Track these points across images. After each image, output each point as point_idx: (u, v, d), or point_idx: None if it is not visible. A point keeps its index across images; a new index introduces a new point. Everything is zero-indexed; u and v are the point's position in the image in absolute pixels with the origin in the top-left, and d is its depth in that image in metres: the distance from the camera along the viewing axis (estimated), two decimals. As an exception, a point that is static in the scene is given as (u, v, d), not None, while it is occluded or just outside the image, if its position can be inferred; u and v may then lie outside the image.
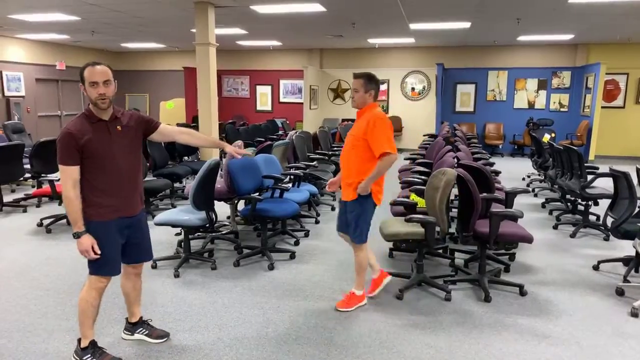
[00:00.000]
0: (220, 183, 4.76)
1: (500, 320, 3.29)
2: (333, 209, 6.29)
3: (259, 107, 14.29)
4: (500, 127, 12.71)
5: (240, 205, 4.66)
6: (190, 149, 7.88)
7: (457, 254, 4.49)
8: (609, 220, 4.11)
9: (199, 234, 4.73)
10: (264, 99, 14.24)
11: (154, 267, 4.19)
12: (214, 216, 4.22)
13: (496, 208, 3.88)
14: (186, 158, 7.95)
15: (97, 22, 9.01)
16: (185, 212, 4.15)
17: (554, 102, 12.48)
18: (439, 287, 3.71)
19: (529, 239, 3.58)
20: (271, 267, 4.20)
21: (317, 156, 6.66)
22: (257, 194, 4.83)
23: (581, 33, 10.07)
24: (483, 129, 12.83)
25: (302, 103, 12.62)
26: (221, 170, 4.65)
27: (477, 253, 4.31)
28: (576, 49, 12.09)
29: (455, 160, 4.83)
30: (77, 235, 2.46)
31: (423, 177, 4.76)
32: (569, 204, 6.22)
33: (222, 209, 5.24)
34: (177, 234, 5.00)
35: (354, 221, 3.29)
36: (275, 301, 3.58)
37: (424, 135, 9.83)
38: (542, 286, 3.89)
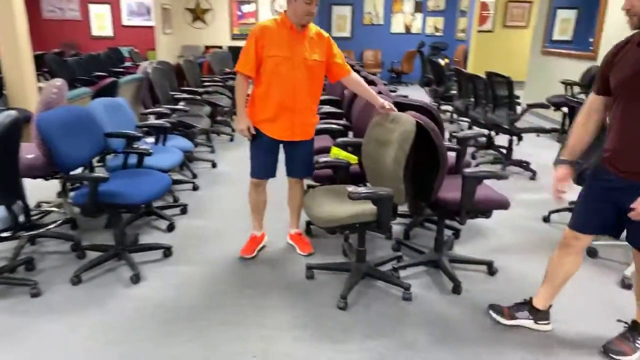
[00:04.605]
0: (32, 151, 2.96)
1: (496, 328, 2.35)
2: (214, 165, 4.78)
3: (95, 33, 11.36)
4: (379, 54, 11.94)
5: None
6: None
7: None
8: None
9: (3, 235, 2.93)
10: (100, 21, 11.32)
11: None
12: (22, 211, 2.51)
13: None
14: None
15: None
16: (-36, 210, 2.36)
17: (430, 26, 12.01)
18: (393, 282, 2.63)
19: (505, 204, 2.64)
20: (136, 279, 2.68)
21: (185, 95, 4.96)
22: (100, 164, 3.15)
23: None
24: (361, 56, 11.93)
25: (152, 27, 10.19)
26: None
27: (416, 219, 3.34)
28: (451, -32, 11.56)
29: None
30: None
31: (341, 122, 3.54)
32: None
33: (45, 185, 3.42)
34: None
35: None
36: (151, 348, 2.15)
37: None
38: (504, 255, 3.06)
